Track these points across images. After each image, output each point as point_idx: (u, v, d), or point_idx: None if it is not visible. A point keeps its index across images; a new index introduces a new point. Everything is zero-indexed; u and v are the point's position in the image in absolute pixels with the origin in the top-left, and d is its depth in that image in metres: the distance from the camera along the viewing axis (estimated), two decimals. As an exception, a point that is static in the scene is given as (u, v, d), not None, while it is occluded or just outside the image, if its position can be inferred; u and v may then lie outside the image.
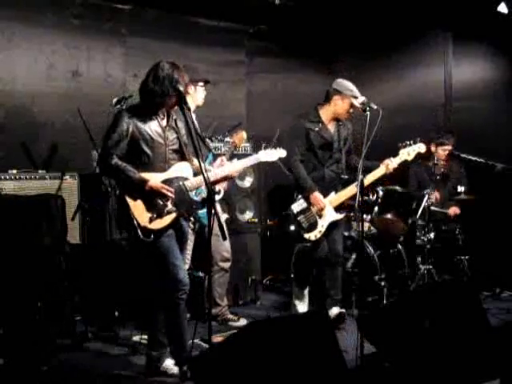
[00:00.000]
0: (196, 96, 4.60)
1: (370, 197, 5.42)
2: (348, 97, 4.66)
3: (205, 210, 4.35)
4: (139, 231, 3.57)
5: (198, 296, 4.90)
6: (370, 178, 4.74)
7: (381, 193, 5.42)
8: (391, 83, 7.04)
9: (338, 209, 4.86)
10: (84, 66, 5.59)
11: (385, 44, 6.89)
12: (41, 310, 4.28)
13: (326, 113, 4.82)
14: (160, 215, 3.64)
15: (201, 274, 5.02)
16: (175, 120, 3.80)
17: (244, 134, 4.84)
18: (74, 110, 4.70)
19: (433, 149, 5.90)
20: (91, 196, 4.87)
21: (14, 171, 4.72)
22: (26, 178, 4.72)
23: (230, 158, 4.65)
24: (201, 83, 4.62)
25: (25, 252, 4.22)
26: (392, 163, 4.76)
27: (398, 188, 5.46)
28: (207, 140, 5.13)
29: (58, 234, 4.46)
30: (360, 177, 4.10)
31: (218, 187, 4.66)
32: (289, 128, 4.94)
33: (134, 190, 3.60)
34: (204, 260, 4.63)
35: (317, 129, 4.77)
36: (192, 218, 4.48)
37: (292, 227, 4.87)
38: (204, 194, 4.41)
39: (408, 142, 4.79)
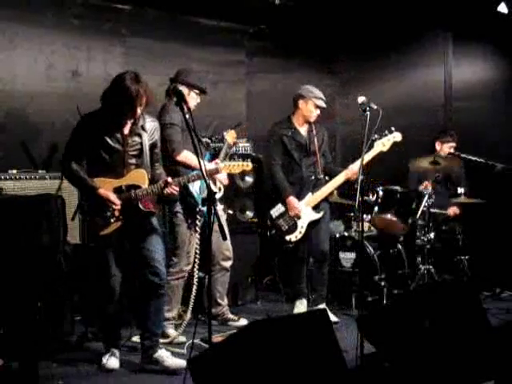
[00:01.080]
0: (188, 101, 4.53)
1: (370, 197, 5.43)
2: (310, 98, 4.99)
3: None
4: (93, 236, 3.94)
5: (198, 295, 4.90)
6: (339, 179, 4.93)
7: (381, 193, 5.43)
8: (391, 83, 7.04)
9: (315, 207, 5.02)
10: (84, 66, 5.58)
11: (385, 44, 6.89)
12: (41, 310, 4.27)
13: (297, 118, 5.11)
14: (108, 222, 3.83)
15: (201, 274, 5.02)
16: (142, 126, 3.89)
17: (233, 133, 4.83)
18: (73, 110, 4.68)
19: (438, 147, 5.91)
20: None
21: (14, 171, 4.71)
22: (26, 178, 4.71)
23: (230, 159, 4.65)
24: (196, 90, 4.61)
25: (24, 252, 4.21)
26: (367, 156, 4.75)
27: (398, 188, 5.46)
28: (207, 139, 5.13)
29: (57, 234, 4.45)
30: (360, 177, 4.14)
31: (218, 185, 4.65)
32: (266, 137, 5.25)
33: (88, 196, 3.86)
34: (205, 259, 4.62)
35: (290, 133, 5.06)
36: (198, 216, 4.50)
37: (273, 231, 5.08)
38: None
39: (383, 133, 4.81)
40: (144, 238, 3.94)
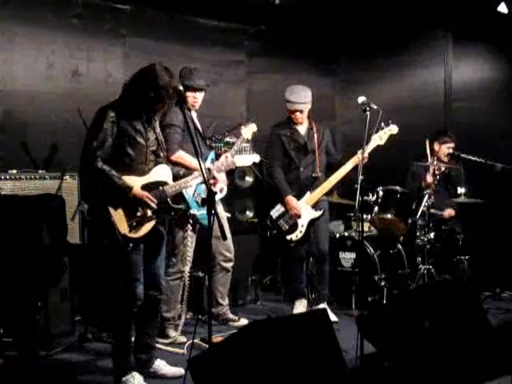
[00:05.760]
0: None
1: (370, 197, 5.42)
2: (285, 102, 4.99)
3: (204, 211, 4.36)
4: (119, 238, 3.47)
5: (198, 296, 4.90)
6: (342, 172, 4.92)
7: (381, 193, 5.43)
8: (391, 83, 7.04)
9: (315, 206, 5.03)
10: (84, 66, 5.58)
11: (385, 44, 6.90)
12: (41, 310, 4.28)
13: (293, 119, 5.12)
14: (140, 223, 3.55)
15: (201, 274, 5.02)
16: (156, 121, 3.76)
17: (254, 126, 4.82)
18: (74, 110, 4.69)
19: (436, 148, 5.87)
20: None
21: (14, 171, 4.72)
22: (26, 178, 4.72)
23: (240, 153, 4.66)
24: (191, 90, 4.57)
25: (25, 252, 4.22)
26: (364, 151, 4.70)
27: (398, 188, 5.46)
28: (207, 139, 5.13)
29: (57, 234, 4.46)
30: (360, 177, 4.13)
31: (219, 186, 4.62)
32: (266, 137, 5.29)
33: (116, 196, 3.49)
34: (205, 260, 4.62)
35: (288, 133, 5.09)
36: (191, 220, 4.47)
37: (274, 232, 5.06)
38: (203, 195, 4.40)
39: (379, 126, 4.74)
40: (155, 249, 3.74)
